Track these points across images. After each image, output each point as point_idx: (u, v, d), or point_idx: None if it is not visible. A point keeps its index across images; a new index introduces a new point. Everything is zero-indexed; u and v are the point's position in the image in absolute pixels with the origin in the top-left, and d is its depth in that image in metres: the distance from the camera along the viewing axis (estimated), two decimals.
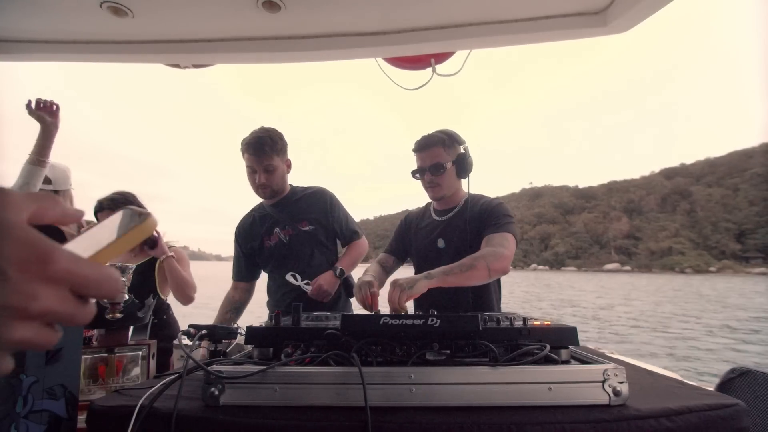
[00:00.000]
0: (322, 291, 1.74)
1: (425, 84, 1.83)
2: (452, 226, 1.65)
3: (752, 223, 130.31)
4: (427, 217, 1.78)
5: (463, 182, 1.70)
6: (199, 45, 1.51)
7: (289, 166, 1.91)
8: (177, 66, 1.70)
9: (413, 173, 1.70)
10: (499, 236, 1.47)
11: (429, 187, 1.67)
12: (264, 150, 1.75)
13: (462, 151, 1.67)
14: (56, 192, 2.00)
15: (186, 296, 1.89)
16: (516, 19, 1.38)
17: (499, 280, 1.67)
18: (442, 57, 1.76)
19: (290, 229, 1.86)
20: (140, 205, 1.96)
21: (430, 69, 1.78)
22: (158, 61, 1.64)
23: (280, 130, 1.83)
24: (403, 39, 1.45)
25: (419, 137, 1.69)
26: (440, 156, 1.63)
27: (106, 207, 1.86)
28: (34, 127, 1.78)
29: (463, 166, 1.65)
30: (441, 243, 1.66)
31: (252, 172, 1.80)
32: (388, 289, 1.29)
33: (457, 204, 1.69)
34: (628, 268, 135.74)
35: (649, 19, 1.31)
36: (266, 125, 1.86)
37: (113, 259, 0.32)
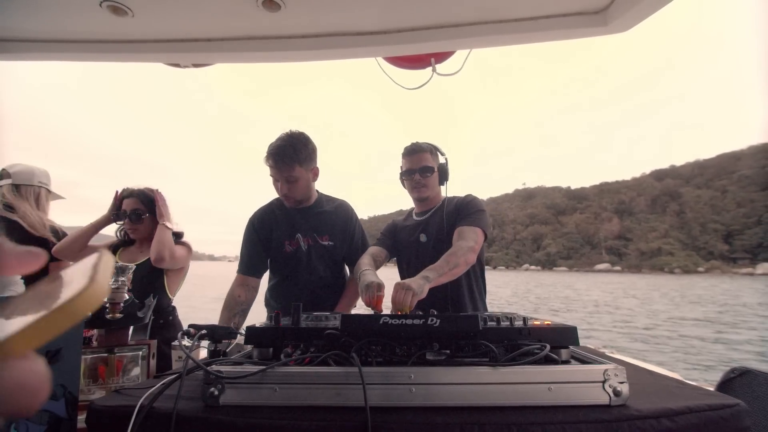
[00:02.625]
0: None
1: (425, 83, 1.83)
2: (432, 223, 1.84)
3: (740, 224, 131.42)
4: (410, 219, 1.97)
5: (442, 189, 1.88)
6: (199, 44, 1.51)
7: (315, 174, 1.84)
8: (177, 65, 1.70)
9: (401, 175, 1.87)
10: (470, 230, 1.65)
11: (416, 187, 1.83)
12: (284, 161, 1.68)
13: (443, 161, 1.86)
14: (17, 186, 2.00)
15: (158, 255, 1.77)
16: (516, 19, 1.37)
17: (483, 276, 1.87)
18: (442, 56, 1.76)
19: (310, 239, 1.84)
20: (150, 201, 1.94)
21: (430, 68, 1.78)
22: (158, 61, 1.63)
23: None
24: (403, 38, 1.45)
25: (409, 143, 1.86)
26: (428, 160, 1.82)
27: (126, 196, 1.93)
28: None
29: (444, 174, 1.84)
30: (423, 238, 1.84)
31: (275, 181, 1.75)
32: (391, 291, 1.32)
33: (436, 205, 1.88)
34: (618, 268, 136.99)
35: (647, 19, 1.30)
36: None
37: (42, 339, 0.20)
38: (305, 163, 1.73)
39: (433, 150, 1.84)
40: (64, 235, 2.05)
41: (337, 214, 1.92)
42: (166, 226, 1.84)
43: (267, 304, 1.97)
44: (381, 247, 1.89)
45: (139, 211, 1.89)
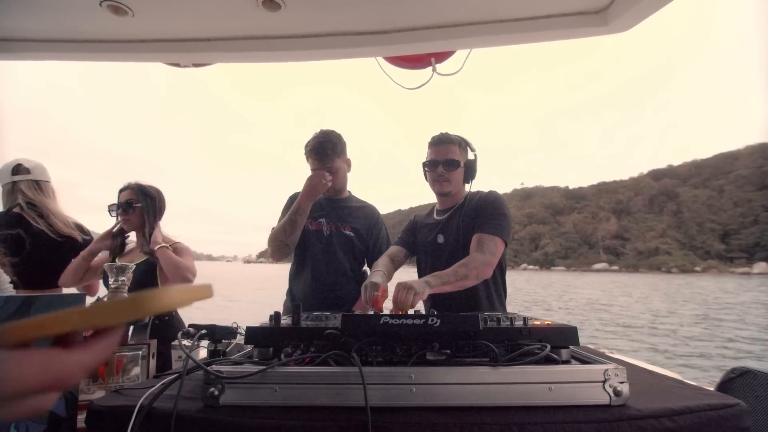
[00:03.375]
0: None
1: (425, 83, 1.83)
2: (451, 223, 1.74)
3: (736, 223, 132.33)
4: (431, 217, 1.87)
5: (466, 187, 1.78)
6: (199, 44, 1.51)
7: (349, 165, 1.98)
8: (177, 65, 1.70)
9: (424, 165, 1.76)
10: (490, 239, 1.55)
11: (437, 180, 1.72)
12: (327, 154, 1.84)
13: (472, 157, 1.75)
14: (37, 182, 1.98)
15: (183, 279, 1.84)
16: (516, 19, 1.37)
17: (504, 282, 1.76)
18: (442, 56, 1.76)
19: (333, 227, 1.93)
20: (160, 199, 1.97)
21: (430, 68, 1.78)
22: (158, 60, 1.63)
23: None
24: (404, 38, 1.45)
25: (437, 133, 1.76)
26: (455, 153, 1.71)
27: (123, 189, 1.93)
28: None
29: (470, 171, 1.74)
30: (440, 239, 1.75)
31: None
32: (393, 290, 1.31)
33: (457, 203, 1.78)
34: (615, 267, 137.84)
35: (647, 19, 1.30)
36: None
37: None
38: (342, 154, 1.92)
39: (463, 143, 1.74)
40: (87, 231, 2.05)
41: (364, 212, 2.01)
42: (165, 248, 1.84)
43: (289, 293, 2.00)
44: (401, 246, 1.86)
45: (131, 200, 1.90)
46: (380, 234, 2.00)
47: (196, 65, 1.71)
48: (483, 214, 1.63)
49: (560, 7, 1.33)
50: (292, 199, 2.01)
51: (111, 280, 1.10)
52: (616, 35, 1.40)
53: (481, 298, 1.66)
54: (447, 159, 1.69)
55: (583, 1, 1.31)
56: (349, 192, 2.05)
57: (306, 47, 1.49)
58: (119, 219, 1.91)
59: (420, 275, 1.82)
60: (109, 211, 1.93)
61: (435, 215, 1.85)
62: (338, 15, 1.37)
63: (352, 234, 1.93)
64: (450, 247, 1.70)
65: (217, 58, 1.61)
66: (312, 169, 1.87)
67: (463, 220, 1.67)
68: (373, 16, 1.38)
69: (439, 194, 1.78)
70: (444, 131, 1.75)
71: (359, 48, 1.49)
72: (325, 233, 1.93)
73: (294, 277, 2.00)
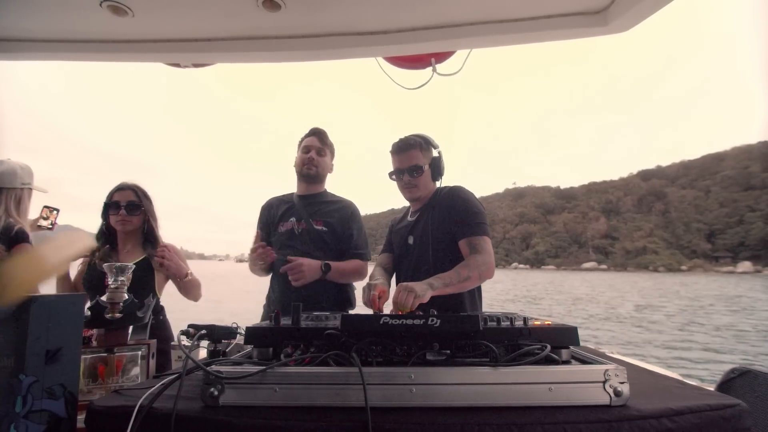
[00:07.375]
0: (297, 267, 1.73)
1: (425, 83, 1.83)
2: (419, 224, 1.75)
3: (722, 224, 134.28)
4: (405, 219, 1.90)
5: (437, 184, 1.78)
6: (199, 44, 1.51)
7: (331, 169, 2.11)
8: (177, 65, 1.70)
9: (390, 174, 1.79)
10: (481, 240, 1.56)
11: (406, 188, 1.75)
12: (325, 136, 2.03)
13: (436, 155, 1.75)
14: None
15: (197, 297, 1.97)
16: (516, 19, 1.37)
17: None
18: (442, 56, 1.76)
19: (304, 224, 1.94)
20: (144, 196, 1.94)
21: (430, 68, 1.78)
22: (158, 60, 1.63)
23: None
24: (404, 38, 1.45)
25: (396, 140, 1.77)
26: (418, 158, 1.70)
27: (120, 189, 1.91)
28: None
29: (437, 170, 1.74)
30: (410, 240, 1.77)
31: (307, 150, 2.00)
32: (393, 292, 1.31)
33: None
34: (604, 266, 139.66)
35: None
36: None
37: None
38: (331, 152, 2.07)
39: (424, 144, 1.73)
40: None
41: (337, 207, 2.02)
42: (191, 276, 1.89)
43: (267, 297, 2.00)
44: (387, 252, 1.89)
45: (136, 202, 1.88)
46: (355, 227, 1.99)
47: (196, 65, 1.71)
48: (461, 218, 1.62)
49: (560, 7, 1.33)
50: (265, 208, 2.10)
51: (110, 280, 1.10)
52: (614, 36, 1.40)
53: (464, 296, 1.64)
54: (411, 166, 1.69)
55: (583, 1, 1.31)
56: (324, 189, 2.09)
57: (306, 47, 1.49)
58: (121, 219, 1.85)
59: (398, 279, 1.81)
60: (107, 209, 1.87)
61: (408, 217, 1.87)
62: (338, 15, 1.37)
63: (324, 228, 1.93)
64: (417, 249, 1.71)
65: (217, 58, 1.61)
66: (303, 146, 2.00)
67: (430, 221, 1.67)
68: (373, 16, 1.38)
69: (410, 200, 1.82)
70: (404, 136, 1.76)
71: (359, 48, 1.49)
72: (296, 231, 1.94)
73: (271, 278, 2.02)
